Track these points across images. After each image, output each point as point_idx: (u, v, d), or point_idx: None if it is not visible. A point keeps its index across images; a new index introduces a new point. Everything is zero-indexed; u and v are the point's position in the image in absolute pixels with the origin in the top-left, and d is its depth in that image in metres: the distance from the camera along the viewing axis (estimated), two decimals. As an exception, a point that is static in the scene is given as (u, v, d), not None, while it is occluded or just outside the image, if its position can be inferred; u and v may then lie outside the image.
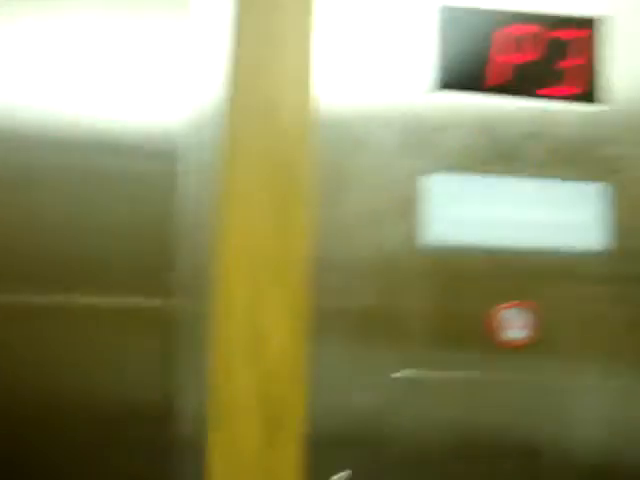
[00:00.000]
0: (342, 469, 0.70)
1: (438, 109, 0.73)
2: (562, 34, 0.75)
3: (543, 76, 0.75)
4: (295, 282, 0.71)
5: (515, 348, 0.72)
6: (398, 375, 0.71)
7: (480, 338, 0.72)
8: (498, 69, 0.74)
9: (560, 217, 0.74)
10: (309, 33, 0.73)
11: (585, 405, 0.74)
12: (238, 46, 0.71)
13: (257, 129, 0.71)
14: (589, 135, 0.75)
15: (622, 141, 0.75)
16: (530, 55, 0.74)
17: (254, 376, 0.70)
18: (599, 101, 0.75)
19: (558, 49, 0.75)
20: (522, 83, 0.74)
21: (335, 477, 0.70)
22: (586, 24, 0.76)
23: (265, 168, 0.71)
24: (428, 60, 0.73)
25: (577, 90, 0.75)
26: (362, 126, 0.72)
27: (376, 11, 0.74)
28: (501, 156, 0.73)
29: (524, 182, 0.74)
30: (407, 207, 0.72)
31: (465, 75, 0.74)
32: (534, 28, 0.75)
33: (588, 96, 0.75)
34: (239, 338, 0.70)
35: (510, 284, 0.73)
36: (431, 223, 0.72)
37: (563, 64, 0.75)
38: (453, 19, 0.74)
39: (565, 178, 0.74)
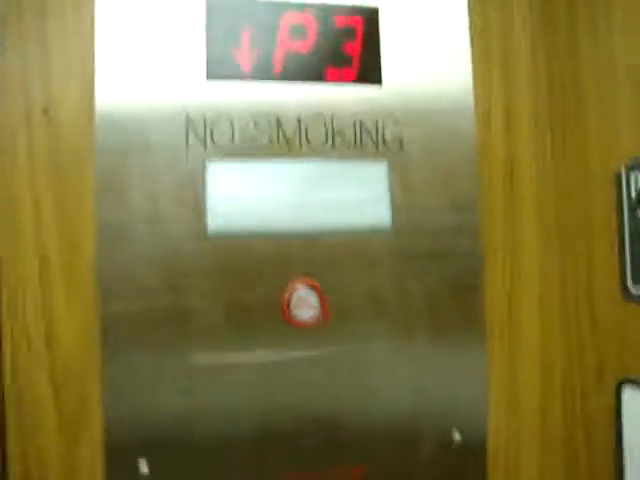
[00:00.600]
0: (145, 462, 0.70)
1: (219, 99, 0.73)
2: (340, 22, 0.77)
3: (323, 62, 0.77)
4: (82, 279, 0.71)
5: (308, 327, 0.74)
6: (195, 362, 0.71)
7: (273, 320, 0.74)
8: (281, 55, 0.75)
9: (344, 197, 0.76)
10: (91, 40, 0.72)
11: (382, 376, 0.77)
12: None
13: (34, 128, 0.71)
14: (368, 116, 0.77)
15: (399, 122, 0.78)
16: (309, 43, 0.76)
17: (47, 379, 0.70)
18: (376, 83, 0.78)
19: (336, 35, 0.77)
20: (304, 68, 0.76)
21: None
22: (361, 13, 0.78)
23: (45, 169, 0.71)
24: (202, 51, 0.74)
25: (356, 73, 0.77)
26: (142, 121, 0.71)
27: (151, 10, 0.73)
28: (284, 140, 0.75)
29: (307, 165, 0.75)
30: (190, 197, 0.72)
31: (248, 63, 0.74)
32: (312, 17, 0.76)
33: (366, 78, 0.78)
34: (30, 338, 0.69)
35: (298, 265, 0.75)
36: (215, 211, 0.72)
37: (342, 49, 0.77)
38: (222, 10, 0.74)
39: (347, 158, 0.76)
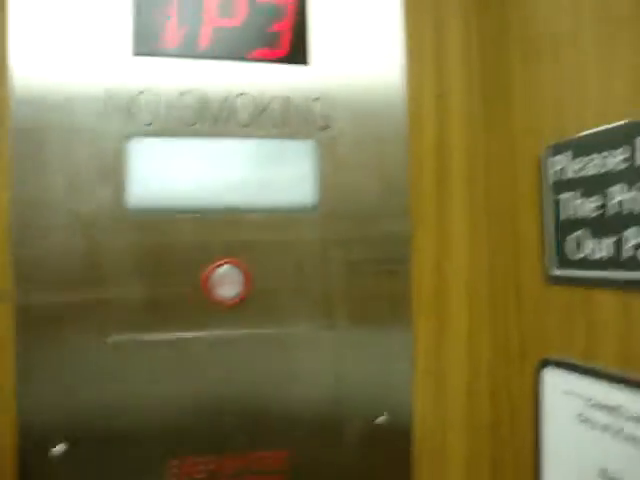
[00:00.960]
0: (61, 440, 0.69)
1: (144, 76, 0.72)
2: (268, -1, 0.77)
3: (251, 40, 0.76)
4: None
5: (230, 305, 0.74)
6: (114, 341, 0.71)
7: (195, 298, 0.73)
8: (208, 33, 0.75)
9: (269, 175, 0.76)
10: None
11: (306, 357, 0.76)
12: None
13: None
14: (296, 95, 0.77)
15: (327, 102, 0.78)
16: (238, 20, 0.76)
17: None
18: (304, 62, 0.77)
19: (265, 14, 0.76)
20: (232, 46, 0.76)
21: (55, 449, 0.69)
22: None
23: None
24: (129, 27, 0.73)
25: (284, 52, 0.77)
26: (64, 94, 0.71)
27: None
28: (209, 118, 0.74)
29: (232, 143, 0.75)
30: (112, 171, 0.71)
31: (175, 39, 0.74)
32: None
33: (294, 58, 0.77)
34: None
35: (221, 243, 0.74)
36: (137, 186, 0.72)
37: (270, 28, 0.77)
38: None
39: (274, 137, 0.76)
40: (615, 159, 0.64)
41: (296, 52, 0.77)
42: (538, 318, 0.75)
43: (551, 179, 0.72)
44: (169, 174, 0.73)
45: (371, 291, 0.78)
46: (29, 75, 0.70)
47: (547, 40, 0.73)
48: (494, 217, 0.83)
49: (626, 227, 0.62)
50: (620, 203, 0.63)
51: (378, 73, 0.80)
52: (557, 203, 0.71)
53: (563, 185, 0.70)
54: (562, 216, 0.71)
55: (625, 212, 0.62)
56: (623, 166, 0.63)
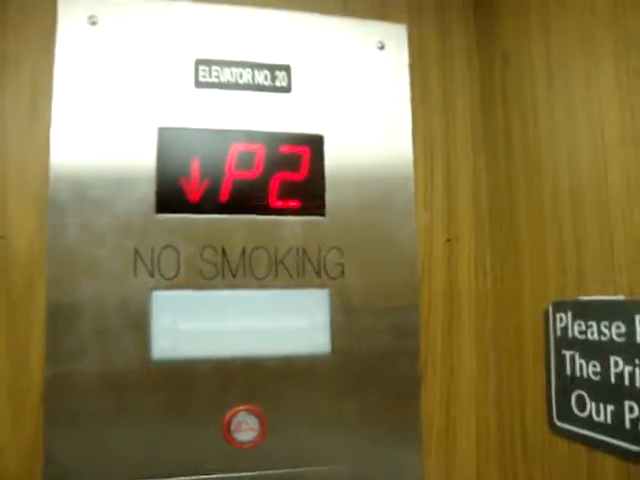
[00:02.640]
0: None
1: (167, 232, 0.77)
2: (284, 150, 0.81)
3: (269, 192, 0.80)
4: (29, 403, 0.75)
5: (249, 448, 0.78)
6: None
7: (215, 442, 0.77)
8: (227, 187, 0.79)
9: (285, 324, 0.80)
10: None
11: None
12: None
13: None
14: (311, 247, 0.81)
15: (341, 251, 0.82)
16: (256, 173, 0.80)
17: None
18: (319, 213, 0.81)
19: (281, 165, 0.81)
20: (249, 200, 0.80)
21: None
22: (305, 142, 0.82)
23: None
24: (152, 185, 0.78)
25: (300, 205, 0.81)
26: (92, 253, 0.75)
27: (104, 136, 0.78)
28: (228, 271, 0.79)
29: (250, 294, 0.79)
30: (137, 325, 0.76)
31: (198, 196, 0.78)
32: (258, 146, 0.80)
33: (311, 210, 0.81)
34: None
35: (240, 389, 0.78)
36: (160, 339, 0.76)
37: (288, 180, 0.81)
38: (172, 139, 0.78)
39: (289, 287, 0.80)
40: (614, 331, 0.66)
41: (312, 204, 0.81)
42: (544, 466, 0.78)
43: (555, 334, 0.75)
44: (190, 324, 0.77)
45: (383, 430, 0.82)
46: (63, 231, 0.75)
47: (548, 192, 0.76)
48: (501, 361, 0.86)
49: (626, 399, 0.65)
50: (620, 375, 0.65)
51: (390, 223, 0.84)
52: (561, 358, 0.74)
53: (567, 342, 0.73)
54: (566, 371, 0.73)
55: (625, 384, 0.65)
56: (621, 340, 0.65)
